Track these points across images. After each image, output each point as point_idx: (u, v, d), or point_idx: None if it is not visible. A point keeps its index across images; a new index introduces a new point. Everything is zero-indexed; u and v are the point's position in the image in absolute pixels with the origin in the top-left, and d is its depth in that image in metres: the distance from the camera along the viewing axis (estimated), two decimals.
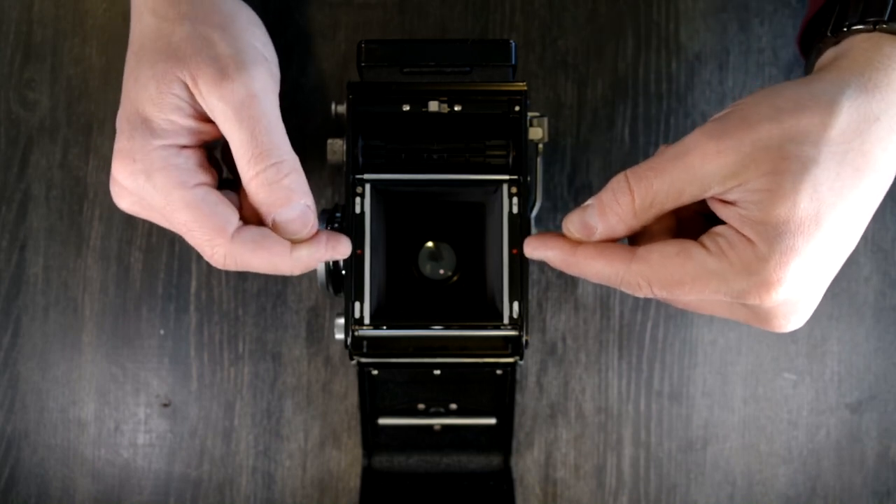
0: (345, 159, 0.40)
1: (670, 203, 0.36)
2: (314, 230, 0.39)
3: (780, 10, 0.52)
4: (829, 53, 0.39)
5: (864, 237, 0.51)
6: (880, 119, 0.36)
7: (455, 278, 0.41)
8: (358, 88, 0.40)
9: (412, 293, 0.41)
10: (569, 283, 0.51)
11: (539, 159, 0.41)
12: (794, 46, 0.44)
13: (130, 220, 0.51)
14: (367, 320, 0.39)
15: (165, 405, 0.51)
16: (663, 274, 0.36)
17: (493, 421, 0.47)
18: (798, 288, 0.35)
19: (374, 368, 0.42)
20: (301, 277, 0.51)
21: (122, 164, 0.38)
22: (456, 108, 0.39)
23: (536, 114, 0.40)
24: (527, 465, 0.51)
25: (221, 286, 0.51)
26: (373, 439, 0.48)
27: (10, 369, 0.50)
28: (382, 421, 0.47)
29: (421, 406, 0.47)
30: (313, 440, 0.51)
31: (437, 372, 0.42)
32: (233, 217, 0.38)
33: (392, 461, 0.48)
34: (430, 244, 0.41)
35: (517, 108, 0.40)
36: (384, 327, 0.39)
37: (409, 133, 0.40)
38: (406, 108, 0.39)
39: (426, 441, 0.48)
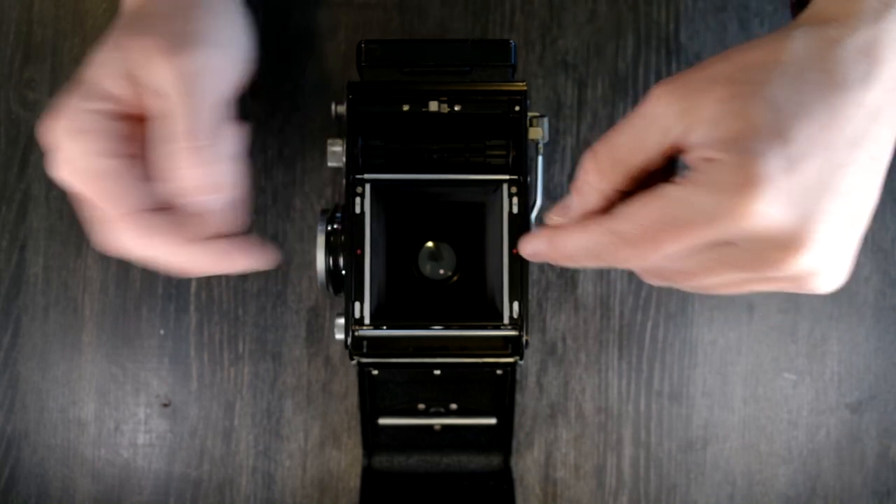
0: (345, 159, 0.40)
1: (635, 156, 0.34)
2: (236, 229, 0.38)
3: (780, 10, 0.52)
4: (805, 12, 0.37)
5: (865, 237, 0.51)
6: (841, 41, 0.33)
7: (455, 278, 0.41)
8: (358, 88, 0.40)
9: (412, 293, 0.41)
10: (569, 283, 0.51)
11: (539, 159, 0.41)
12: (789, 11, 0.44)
13: None
14: (367, 320, 0.39)
15: (165, 405, 0.51)
16: (642, 224, 0.33)
17: (493, 421, 0.47)
18: (786, 205, 0.32)
19: (375, 368, 0.42)
20: (301, 277, 0.51)
21: (54, 120, 0.37)
22: (456, 108, 0.39)
23: (536, 114, 0.40)
24: (527, 465, 0.51)
25: (221, 286, 0.51)
26: (373, 439, 0.48)
27: (10, 369, 0.50)
28: (382, 421, 0.47)
29: (421, 406, 0.47)
30: (313, 440, 0.51)
31: (437, 372, 0.42)
32: (137, 197, 0.37)
33: (392, 461, 0.48)
34: (430, 244, 0.41)
35: (517, 108, 0.40)
36: (384, 327, 0.39)
37: (408, 133, 0.40)
38: (406, 108, 0.39)
39: (426, 441, 0.48)
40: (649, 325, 0.51)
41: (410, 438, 0.48)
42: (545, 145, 0.41)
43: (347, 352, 0.39)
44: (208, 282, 0.51)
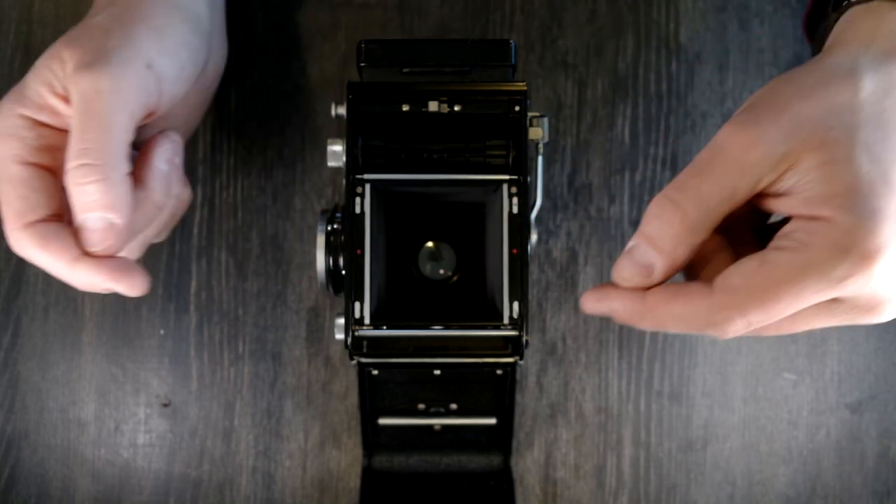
0: (345, 159, 0.40)
1: (725, 206, 0.33)
2: (113, 251, 0.38)
3: (780, 10, 0.52)
4: (834, 31, 0.37)
5: None
6: None
7: (455, 278, 0.41)
8: (358, 88, 0.40)
9: (412, 293, 0.41)
10: (569, 283, 0.51)
11: (539, 159, 0.41)
12: (801, 31, 0.44)
13: None
14: (367, 320, 0.39)
15: (165, 405, 0.51)
16: (753, 294, 0.32)
17: (493, 421, 0.47)
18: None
19: (374, 368, 0.42)
20: (301, 277, 0.51)
21: None
22: (456, 108, 0.39)
23: (536, 114, 0.40)
24: (527, 465, 0.51)
25: (221, 286, 0.51)
26: (373, 439, 0.48)
27: (10, 369, 0.50)
28: (382, 421, 0.47)
29: (421, 406, 0.47)
30: (313, 440, 0.51)
31: (437, 372, 0.42)
32: (41, 208, 0.37)
33: (392, 461, 0.48)
34: (430, 244, 0.41)
35: (517, 108, 0.40)
36: (384, 327, 0.39)
37: (408, 133, 0.40)
38: (406, 108, 0.39)
39: (426, 441, 0.48)
40: None
41: (410, 438, 0.48)
42: (545, 145, 0.41)
43: (347, 352, 0.39)
44: (208, 282, 0.51)
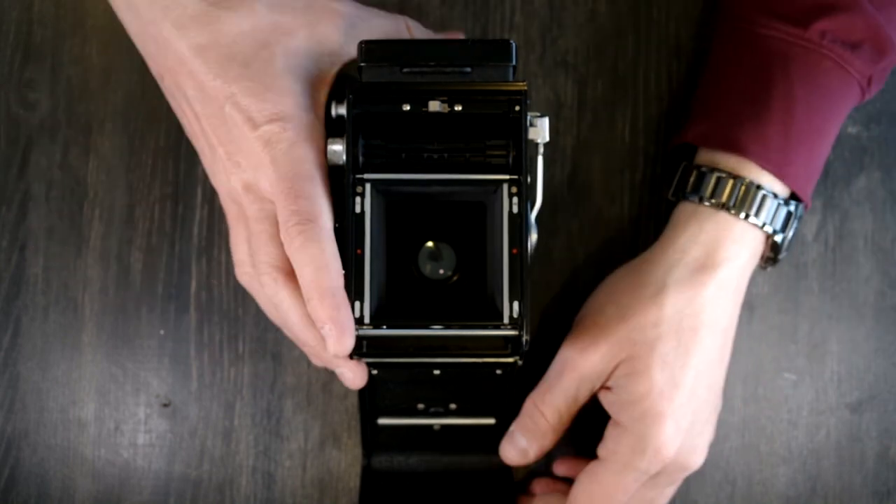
0: (345, 158, 0.40)
1: (575, 406, 0.45)
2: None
3: None
4: (672, 217, 0.46)
5: (865, 237, 0.51)
6: (705, 284, 0.43)
7: (455, 278, 0.41)
8: (358, 88, 0.40)
9: (412, 293, 0.41)
10: (569, 283, 0.51)
11: (539, 159, 0.41)
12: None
13: (130, 220, 0.51)
14: (367, 319, 0.39)
15: (165, 405, 0.51)
16: (595, 501, 0.44)
17: (492, 421, 0.47)
18: (684, 436, 0.43)
19: (374, 368, 0.42)
20: None
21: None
22: (456, 108, 0.39)
23: (537, 114, 0.40)
24: (527, 466, 0.51)
25: (221, 286, 0.51)
26: (372, 439, 0.48)
27: (10, 369, 0.50)
28: (382, 421, 0.47)
29: (420, 406, 0.47)
30: (313, 440, 0.51)
31: (437, 372, 0.42)
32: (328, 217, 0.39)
33: (392, 461, 0.48)
34: (429, 244, 0.41)
35: (517, 108, 0.40)
36: (384, 327, 0.39)
37: (409, 133, 0.40)
38: (406, 107, 0.39)
39: (426, 441, 0.48)
40: None
41: (410, 438, 0.48)
42: (545, 145, 0.41)
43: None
44: (208, 282, 0.51)
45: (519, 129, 0.39)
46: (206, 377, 0.51)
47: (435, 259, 0.41)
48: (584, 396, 0.45)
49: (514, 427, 0.46)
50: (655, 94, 0.52)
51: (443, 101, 0.39)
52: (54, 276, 0.51)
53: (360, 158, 0.40)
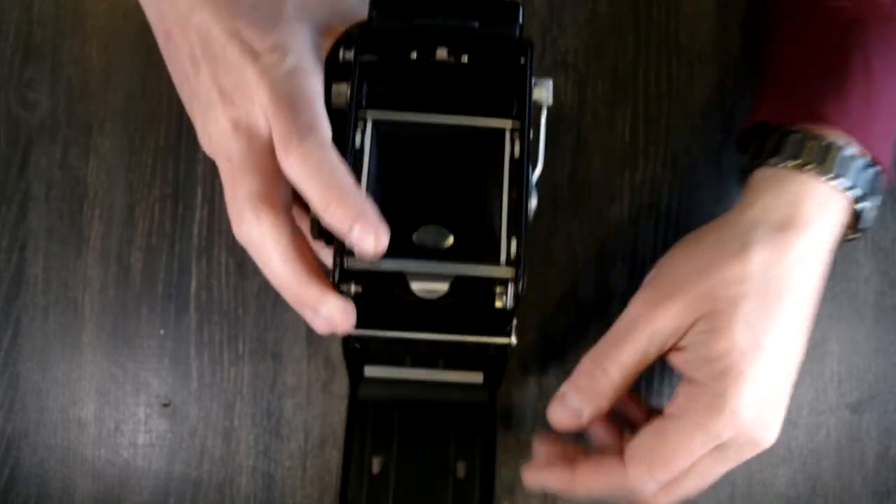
0: (348, 97, 0.39)
1: (643, 364, 0.42)
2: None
3: None
4: (748, 183, 0.45)
5: (865, 237, 0.51)
6: (790, 246, 0.41)
7: (451, 241, 0.40)
8: (366, 34, 0.39)
9: (408, 232, 0.39)
10: (569, 283, 0.51)
11: (543, 122, 0.41)
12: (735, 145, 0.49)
13: (130, 220, 0.51)
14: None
15: (165, 405, 0.51)
16: (656, 461, 0.40)
17: (479, 379, 0.46)
18: (762, 404, 0.40)
19: (357, 342, 0.41)
20: None
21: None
22: (462, 59, 0.39)
23: (542, 77, 0.40)
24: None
25: (221, 286, 0.51)
26: (358, 377, 0.47)
27: (10, 369, 0.50)
28: (369, 371, 0.46)
29: (408, 357, 0.46)
30: (313, 440, 0.51)
31: (426, 339, 0.41)
32: (325, 132, 0.37)
33: (377, 392, 0.47)
34: (426, 227, 0.40)
35: (522, 60, 0.39)
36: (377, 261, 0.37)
37: (415, 82, 0.40)
38: (413, 55, 0.39)
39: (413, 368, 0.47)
40: None
41: (396, 360, 0.47)
42: (549, 108, 0.40)
43: (335, 283, 0.37)
44: (208, 282, 0.51)
45: (524, 78, 0.39)
46: (206, 377, 0.51)
47: (431, 235, 0.40)
48: (653, 355, 0.42)
49: (565, 387, 0.43)
50: (655, 94, 0.52)
51: (449, 51, 0.39)
52: (54, 276, 0.51)
53: (364, 100, 0.39)
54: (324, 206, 0.35)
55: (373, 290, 0.38)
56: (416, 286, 0.38)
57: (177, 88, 0.42)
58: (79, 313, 0.51)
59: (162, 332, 0.51)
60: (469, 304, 0.38)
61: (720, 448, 0.40)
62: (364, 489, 0.46)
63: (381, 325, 0.39)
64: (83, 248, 0.51)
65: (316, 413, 0.51)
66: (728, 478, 0.50)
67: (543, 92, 0.40)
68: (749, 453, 0.41)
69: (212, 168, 0.51)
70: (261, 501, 0.50)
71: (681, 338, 0.41)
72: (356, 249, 0.36)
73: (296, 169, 0.36)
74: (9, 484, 0.50)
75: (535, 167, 0.40)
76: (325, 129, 0.37)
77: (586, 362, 0.42)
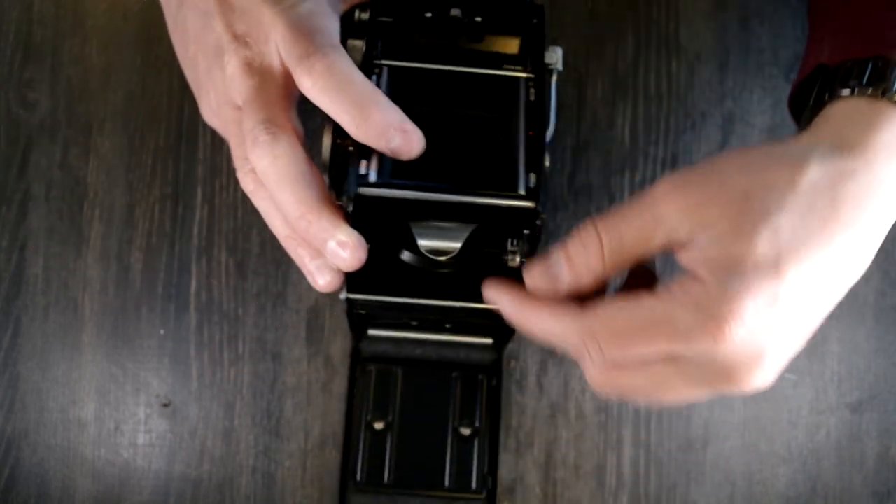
0: (364, 51, 0.39)
1: (638, 249, 0.35)
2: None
3: (780, 10, 0.52)
4: (815, 121, 0.39)
5: None
6: (856, 175, 0.35)
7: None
8: None
9: (424, 160, 0.38)
10: None
11: (553, 85, 0.40)
12: (786, 109, 0.45)
13: (130, 220, 0.51)
14: (373, 178, 0.35)
15: (165, 405, 0.51)
16: (611, 326, 0.34)
17: (489, 341, 0.45)
18: (757, 334, 0.33)
19: (363, 308, 0.40)
20: (301, 277, 0.50)
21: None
22: (477, 19, 0.39)
23: (551, 46, 0.40)
24: (527, 465, 0.51)
25: (221, 286, 0.51)
26: (361, 333, 0.47)
27: (10, 369, 0.50)
28: (372, 332, 0.45)
29: (414, 322, 0.45)
30: (313, 440, 0.51)
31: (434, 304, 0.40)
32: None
33: (381, 346, 0.47)
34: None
35: (535, 21, 0.40)
36: (392, 188, 0.35)
37: (429, 38, 0.40)
38: (428, 14, 0.39)
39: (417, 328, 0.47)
40: None
41: (401, 325, 0.46)
42: (559, 73, 0.40)
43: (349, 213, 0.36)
44: (208, 282, 0.51)
45: (536, 37, 0.39)
46: (206, 377, 0.51)
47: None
48: (656, 244, 0.35)
49: (554, 250, 0.36)
50: (655, 94, 0.52)
51: (464, 10, 0.39)
52: (54, 276, 0.51)
53: (379, 53, 0.39)
54: (349, 115, 0.34)
55: (379, 250, 0.37)
56: (425, 244, 0.36)
57: (180, 59, 0.42)
58: (79, 313, 0.51)
59: (162, 332, 0.51)
60: (479, 269, 0.37)
61: (689, 362, 0.34)
62: (366, 445, 0.46)
63: (387, 292, 0.38)
64: (83, 248, 0.51)
65: (316, 413, 0.51)
66: (728, 478, 0.50)
67: (553, 56, 0.40)
68: (717, 385, 0.35)
69: (212, 168, 0.51)
70: (261, 501, 0.50)
71: (695, 232, 0.34)
72: (397, 154, 0.35)
73: (322, 83, 0.35)
74: (9, 484, 0.50)
75: (547, 126, 0.39)
76: (347, 58, 0.36)
77: (584, 227, 0.36)
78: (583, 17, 0.52)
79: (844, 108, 0.37)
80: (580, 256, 0.36)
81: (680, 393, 0.36)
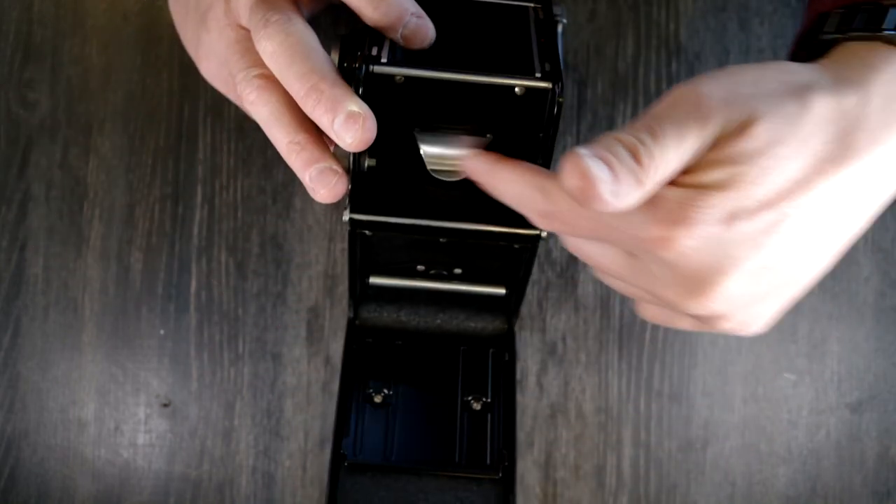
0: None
1: (680, 152, 0.32)
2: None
3: (780, 10, 0.52)
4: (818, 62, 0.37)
5: (864, 237, 0.51)
6: (854, 114, 0.33)
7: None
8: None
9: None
10: (569, 282, 0.51)
11: (560, 37, 0.39)
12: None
13: (130, 220, 0.51)
14: (384, 59, 0.33)
15: (165, 405, 0.51)
16: (571, 203, 0.32)
17: (501, 291, 0.42)
18: (714, 248, 0.31)
19: (368, 229, 0.37)
20: (301, 277, 0.51)
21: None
22: None
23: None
24: (527, 465, 0.51)
25: (221, 286, 0.51)
26: (362, 293, 0.42)
27: (10, 369, 0.50)
28: (374, 280, 0.42)
29: (420, 267, 0.41)
30: (313, 440, 0.51)
31: (443, 240, 0.38)
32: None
33: (381, 315, 0.44)
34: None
35: None
36: (404, 68, 0.33)
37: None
38: None
39: (421, 296, 0.43)
40: (649, 325, 0.51)
41: (404, 292, 0.43)
42: (564, 25, 0.39)
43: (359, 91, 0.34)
44: (208, 282, 0.51)
45: None
46: (206, 377, 0.51)
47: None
48: (689, 150, 0.31)
49: (582, 148, 0.31)
50: (655, 94, 0.52)
51: None
52: (54, 276, 0.51)
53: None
54: (307, 86, 0.33)
55: (387, 165, 0.35)
56: (429, 150, 0.34)
57: (180, 31, 0.43)
58: (79, 313, 0.51)
59: (162, 332, 0.51)
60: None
61: (650, 261, 0.33)
62: (361, 419, 0.41)
63: (393, 212, 0.35)
64: (83, 248, 0.51)
65: (316, 413, 0.51)
66: (728, 478, 0.50)
67: (558, 9, 0.39)
68: (671, 296, 0.33)
69: (212, 168, 0.51)
70: (261, 501, 0.50)
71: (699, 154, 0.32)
72: (339, 138, 0.33)
73: (271, 43, 0.35)
74: (9, 484, 0.50)
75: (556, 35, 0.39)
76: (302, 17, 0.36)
77: (627, 129, 0.32)
78: (583, 17, 0.52)
79: (843, 51, 0.36)
80: (613, 161, 0.31)
81: (653, 291, 0.34)
